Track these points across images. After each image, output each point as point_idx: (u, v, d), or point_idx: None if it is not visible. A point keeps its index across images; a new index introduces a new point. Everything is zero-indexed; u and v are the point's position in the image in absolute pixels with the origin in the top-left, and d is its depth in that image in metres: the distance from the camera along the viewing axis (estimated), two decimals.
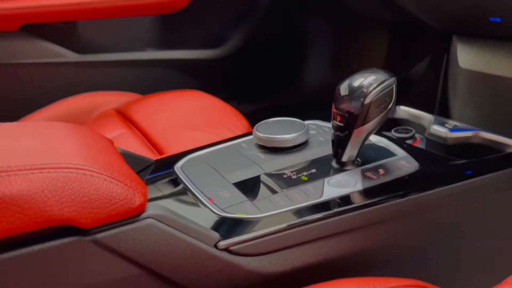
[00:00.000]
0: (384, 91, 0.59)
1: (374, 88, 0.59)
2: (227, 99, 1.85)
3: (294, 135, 0.68)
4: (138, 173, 0.64)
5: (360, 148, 0.62)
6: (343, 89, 0.61)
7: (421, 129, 0.86)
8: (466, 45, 0.91)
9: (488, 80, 0.86)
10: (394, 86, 0.60)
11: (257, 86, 1.89)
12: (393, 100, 0.60)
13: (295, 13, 1.82)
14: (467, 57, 0.90)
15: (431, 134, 0.81)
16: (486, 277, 0.49)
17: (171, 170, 0.65)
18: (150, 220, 0.44)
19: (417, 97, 0.97)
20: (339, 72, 1.84)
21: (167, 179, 0.63)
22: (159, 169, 0.66)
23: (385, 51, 1.60)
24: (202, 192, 0.57)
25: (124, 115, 1.18)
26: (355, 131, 0.60)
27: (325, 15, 1.78)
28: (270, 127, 0.71)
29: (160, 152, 0.96)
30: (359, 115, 0.59)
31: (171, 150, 0.95)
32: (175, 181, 0.62)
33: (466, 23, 0.87)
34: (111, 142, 0.58)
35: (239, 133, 0.98)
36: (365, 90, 0.59)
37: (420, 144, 0.77)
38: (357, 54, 1.75)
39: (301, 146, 0.69)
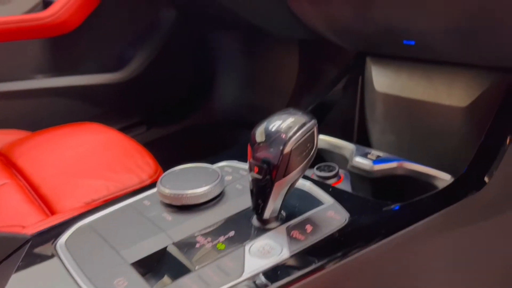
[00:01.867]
0: (305, 136, 0.51)
1: (294, 133, 0.50)
2: (135, 125, 1.72)
3: (206, 188, 0.58)
4: (7, 257, 0.50)
5: (283, 200, 0.53)
6: (259, 134, 0.52)
7: (343, 159, 0.80)
8: (381, 67, 0.87)
9: (405, 103, 0.83)
10: (315, 129, 0.52)
11: (167, 108, 1.76)
12: (315, 146, 0.52)
13: (203, 30, 1.73)
14: (382, 80, 0.86)
15: (354, 167, 0.75)
16: None
17: (53, 249, 0.51)
18: None
19: (335, 122, 0.91)
20: (252, 92, 1.78)
21: (45, 266, 0.49)
22: (37, 249, 0.52)
23: (298, 71, 1.56)
24: (91, 283, 0.45)
25: (7, 159, 1.00)
26: (277, 184, 0.51)
27: (235, 33, 1.71)
28: (177, 179, 0.60)
29: (50, 208, 0.81)
30: (279, 165, 0.50)
31: (64, 205, 0.80)
32: (57, 268, 0.48)
33: (380, 46, 0.83)
34: None
35: (145, 176, 0.86)
36: (283, 136, 0.50)
37: (345, 182, 0.70)
38: (270, 73, 1.70)
39: (216, 199, 0.59)
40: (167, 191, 0.57)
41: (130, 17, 1.58)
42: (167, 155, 1.59)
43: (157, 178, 0.89)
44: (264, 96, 1.75)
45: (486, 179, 0.62)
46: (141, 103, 1.70)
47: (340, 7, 0.75)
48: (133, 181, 0.83)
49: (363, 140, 0.92)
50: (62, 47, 1.50)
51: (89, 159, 0.92)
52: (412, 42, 0.74)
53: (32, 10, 1.41)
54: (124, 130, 1.62)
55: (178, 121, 1.79)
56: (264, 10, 1.11)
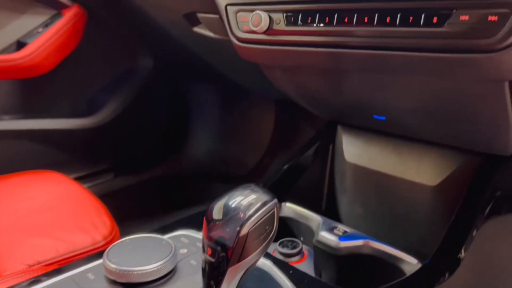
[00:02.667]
0: (264, 218, 0.47)
1: (254, 213, 0.47)
2: (102, 171, 1.66)
3: (156, 265, 0.53)
4: None
5: (239, 284, 0.49)
6: (217, 210, 0.48)
7: (309, 231, 0.77)
8: (352, 136, 0.86)
9: (374, 176, 0.81)
10: (275, 209, 0.49)
11: (137, 157, 1.72)
12: (274, 228, 0.49)
13: (180, 81, 1.72)
14: (352, 150, 0.85)
15: (319, 242, 0.72)
16: None
17: None
18: None
19: (304, 189, 0.89)
20: (226, 145, 1.76)
21: None
22: None
23: (274, 127, 1.56)
24: None
25: None
26: (231, 269, 0.47)
27: (213, 85, 1.71)
28: (125, 252, 0.55)
29: None
30: (235, 248, 0.46)
31: (5, 267, 0.73)
32: None
33: (351, 117, 0.82)
34: None
35: (99, 238, 0.81)
36: (241, 215, 0.47)
37: (308, 260, 0.67)
38: (245, 127, 1.69)
39: (166, 276, 0.54)
40: (112, 266, 0.52)
41: (106, 63, 1.56)
42: (133, 205, 1.52)
43: (113, 239, 0.84)
44: (238, 150, 1.73)
45: (456, 264, 0.59)
46: (111, 150, 1.65)
47: (311, 78, 0.74)
48: (85, 243, 0.78)
49: (331, 209, 0.89)
50: (33, 89, 1.45)
51: (41, 213, 0.86)
52: (383, 118, 0.73)
53: (5, 50, 1.38)
54: (91, 176, 1.56)
55: (148, 170, 1.74)
56: (241, 70, 1.11)
